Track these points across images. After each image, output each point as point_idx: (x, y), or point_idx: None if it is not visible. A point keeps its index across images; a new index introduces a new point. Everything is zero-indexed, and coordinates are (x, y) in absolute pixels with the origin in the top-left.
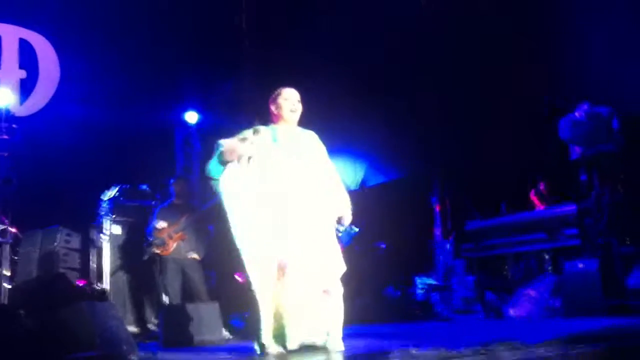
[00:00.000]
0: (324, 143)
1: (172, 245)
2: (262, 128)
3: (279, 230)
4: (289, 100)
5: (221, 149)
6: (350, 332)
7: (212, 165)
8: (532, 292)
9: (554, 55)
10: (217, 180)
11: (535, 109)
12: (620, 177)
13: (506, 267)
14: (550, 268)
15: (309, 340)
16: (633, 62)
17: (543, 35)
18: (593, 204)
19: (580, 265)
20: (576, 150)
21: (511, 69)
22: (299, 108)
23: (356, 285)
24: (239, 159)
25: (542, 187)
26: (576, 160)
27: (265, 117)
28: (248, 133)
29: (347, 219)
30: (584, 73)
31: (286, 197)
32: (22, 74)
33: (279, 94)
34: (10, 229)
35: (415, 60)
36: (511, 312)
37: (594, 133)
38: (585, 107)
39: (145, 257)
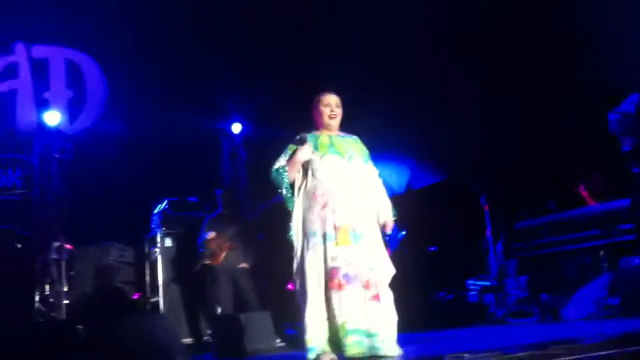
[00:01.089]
0: (369, 146)
1: (222, 256)
2: (306, 136)
3: (331, 236)
4: (329, 107)
5: (284, 173)
6: (403, 338)
7: (276, 181)
8: (589, 292)
9: (600, 45)
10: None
11: (581, 102)
12: None
13: (560, 266)
14: (606, 265)
15: (363, 347)
16: None
17: (586, 26)
18: None
19: (638, 261)
20: (627, 142)
21: (556, 61)
22: (338, 113)
23: (407, 290)
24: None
25: (594, 181)
26: (628, 153)
27: (309, 124)
28: (293, 146)
29: (390, 226)
30: (633, 62)
31: (334, 204)
32: (70, 94)
33: (318, 101)
34: (65, 245)
35: (454, 62)
36: (568, 313)
37: None
38: (634, 98)
39: (197, 268)
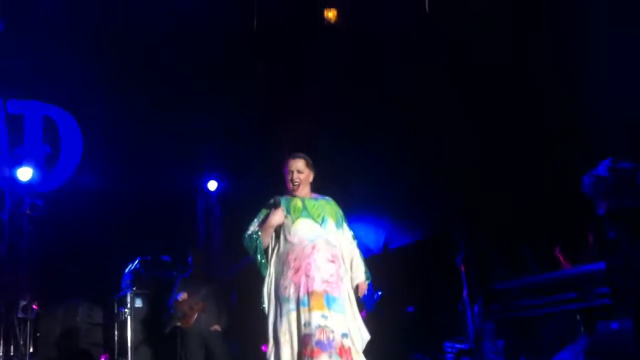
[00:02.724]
0: (344, 206)
1: (194, 317)
2: (279, 199)
3: (304, 301)
4: (290, 173)
5: (257, 239)
6: None
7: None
8: (566, 357)
9: (578, 109)
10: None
11: (558, 164)
12: None
13: (537, 329)
14: (582, 329)
15: None
16: None
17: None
18: (623, 260)
19: (614, 326)
20: (602, 206)
21: (534, 124)
22: (301, 179)
23: (382, 352)
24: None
25: (569, 244)
26: (602, 216)
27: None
28: (266, 210)
29: (363, 289)
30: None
31: (307, 268)
32: (45, 149)
33: (285, 165)
34: (32, 305)
35: (433, 114)
36: None
37: (618, 188)
38: (608, 162)
39: (167, 330)
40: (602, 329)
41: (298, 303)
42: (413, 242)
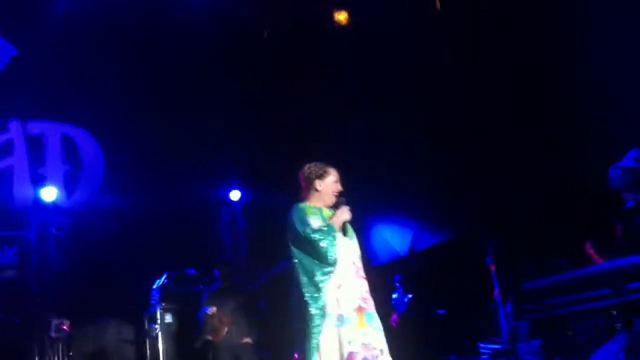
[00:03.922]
0: (371, 208)
1: (224, 331)
2: (344, 199)
3: (348, 318)
4: (338, 182)
5: (332, 230)
6: None
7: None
8: (604, 355)
9: (599, 100)
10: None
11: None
12: None
13: (572, 327)
14: (619, 326)
15: None
16: None
17: (585, 84)
18: None
19: None
20: (630, 198)
21: (558, 117)
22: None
23: (416, 356)
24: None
25: (601, 238)
26: (630, 208)
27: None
28: (312, 209)
29: None
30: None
31: (348, 285)
32: (66, 168)
33: (327, 173)
34: (62, 325)
35: (455, 114)
36: None
37: None
38: (634, 153)
39: (198, 345)
40: (639, 326)
41: (341, 319)
42: (440, 242)
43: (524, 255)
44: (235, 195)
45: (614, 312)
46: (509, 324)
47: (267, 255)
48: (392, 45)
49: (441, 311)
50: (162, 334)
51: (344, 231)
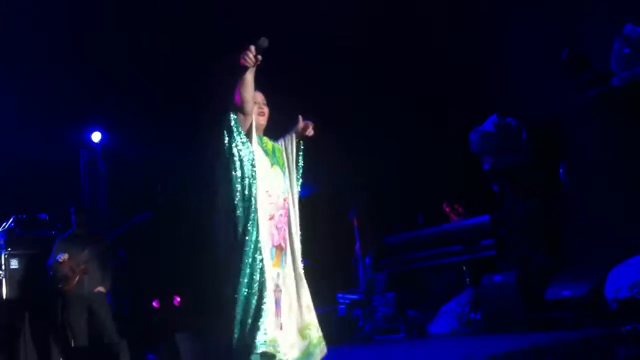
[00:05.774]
0: None
1: (75, 280)
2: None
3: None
4: (258, 103)
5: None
6: None
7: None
8: (453, 307)
9: (464, 68)
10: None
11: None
12: (534, 187)
13: (426, 281)
14: (468, 281)
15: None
16: (542, 69)
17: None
18: (506, 214)
19: (498, 278)
20: (487, 161)
21: (426, 82)
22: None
23: None
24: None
25: (456, 206)
26: (487, 171)
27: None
28: None
29: None
30: (494, 84)
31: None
32: None
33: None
34: None
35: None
36: (433, 329)
37: (503, 144)
38: (494, 118)
39: (46, 292)
40: (486, 282)
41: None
42: (305, 195)
43: (386, 211)
44: (96, 136)
45: (464, 268)
46: (366, 276)
47: (128, 203)
48: None
49: (304, 262)
50: (6, 280)
51: (279, 164)
